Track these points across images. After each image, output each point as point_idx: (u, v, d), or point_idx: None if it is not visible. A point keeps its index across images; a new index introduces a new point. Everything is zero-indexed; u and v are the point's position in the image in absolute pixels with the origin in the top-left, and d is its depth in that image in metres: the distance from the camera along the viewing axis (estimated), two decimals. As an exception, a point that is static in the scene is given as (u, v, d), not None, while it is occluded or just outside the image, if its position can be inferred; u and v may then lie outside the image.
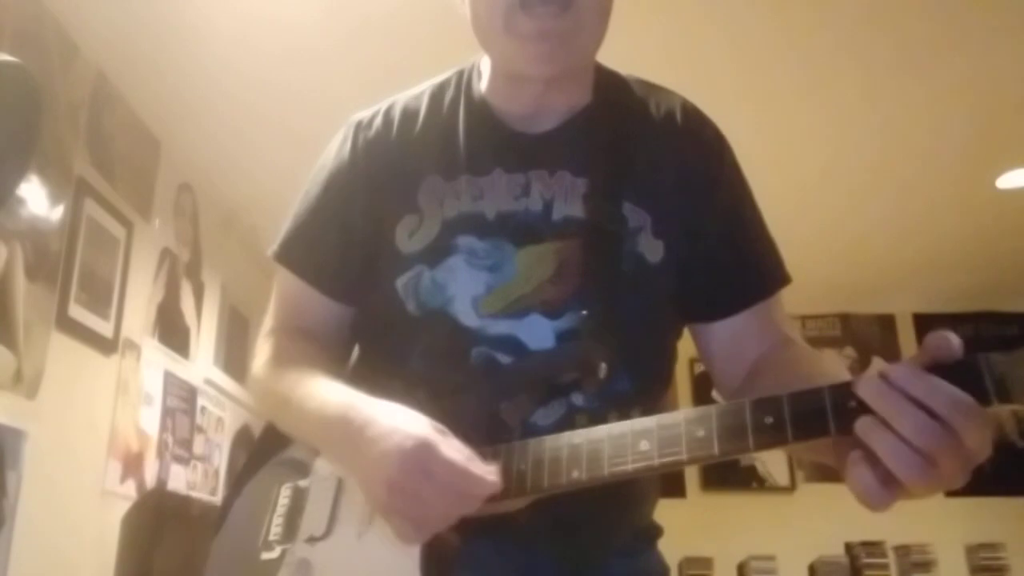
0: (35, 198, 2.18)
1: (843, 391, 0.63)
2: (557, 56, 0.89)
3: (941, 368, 0.60)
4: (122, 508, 2.52)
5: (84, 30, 2.38)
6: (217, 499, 3.33)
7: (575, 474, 0.74)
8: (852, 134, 3.07)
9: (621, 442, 0.72)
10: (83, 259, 2.39)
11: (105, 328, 2.52)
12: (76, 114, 2.42)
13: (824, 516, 4.32)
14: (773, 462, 4.55)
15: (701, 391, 4.69)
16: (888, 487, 0.61)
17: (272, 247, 1.04)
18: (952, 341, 0.61)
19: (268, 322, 1.06)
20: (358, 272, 0.98)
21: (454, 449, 0.75)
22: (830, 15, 2.43)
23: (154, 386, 2.85)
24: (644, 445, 0.70)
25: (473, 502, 0.74)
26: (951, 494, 4.42)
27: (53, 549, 2.19)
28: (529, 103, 0.96)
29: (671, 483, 4.27)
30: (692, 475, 4.51)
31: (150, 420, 2.80)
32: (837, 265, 4.01)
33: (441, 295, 0.90)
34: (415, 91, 1.04)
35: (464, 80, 1.02)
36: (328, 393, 0.87)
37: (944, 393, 0.59)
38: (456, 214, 0.93)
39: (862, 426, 0.61)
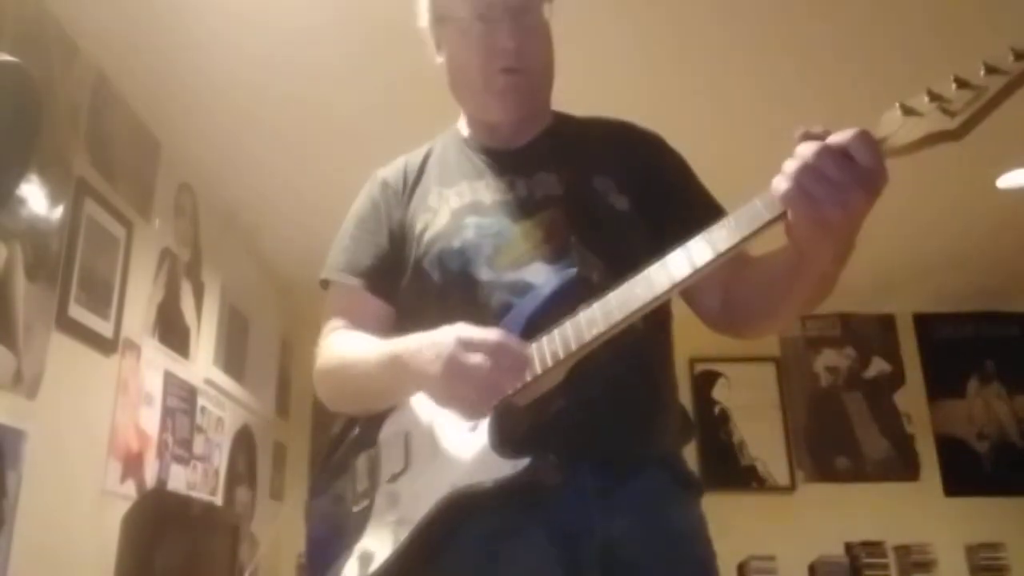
0: (35, 198, 2.18)
1: (770, 196, 0.88)
2: (522, 104, 1.22)
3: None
4: (122, 508, 2.52)
5: (84, 30, 2.38)
6: (217, 499, 3.35)
7: (594, 330, 0.95)
8: (852, 134, 3.06)
9: (623, 293, 0.95)
10: (83, 259, 2.39)
11: (105, 328, 2.52)
12: (76, 114, 2.42)
13: (824, 516, 4.32)
14: (773, 462, 4.55)
15: (701, 391, 4.70)
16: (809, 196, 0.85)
17: (325, 272, 1.27)
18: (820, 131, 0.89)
19: (325, 330, 1.25)
20: (398, 273, 1.21)
21: (481, 331, 0.97)
22: (831, 14, 2.44)
23: (154, 386, 2.86)
24: (639, 289, 0.94)
25: (514, 357, 0.95)
26: (951, 494, 4.37)
27: (53, 549, 2.19)
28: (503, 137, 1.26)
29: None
30: (692, 475, 4.50)
31: (150, 420, 2.80)
32: (837, 265, 4.01)
33: (460, 259, 1.14)
34: (416, 151, 1.33)
35: (449, 133, 1.33)
36: (376, 348, 1.11)
37: (835, 138, 0.88)
38: (461, 204, 1.20)
39: (776, 180, 0.87)
